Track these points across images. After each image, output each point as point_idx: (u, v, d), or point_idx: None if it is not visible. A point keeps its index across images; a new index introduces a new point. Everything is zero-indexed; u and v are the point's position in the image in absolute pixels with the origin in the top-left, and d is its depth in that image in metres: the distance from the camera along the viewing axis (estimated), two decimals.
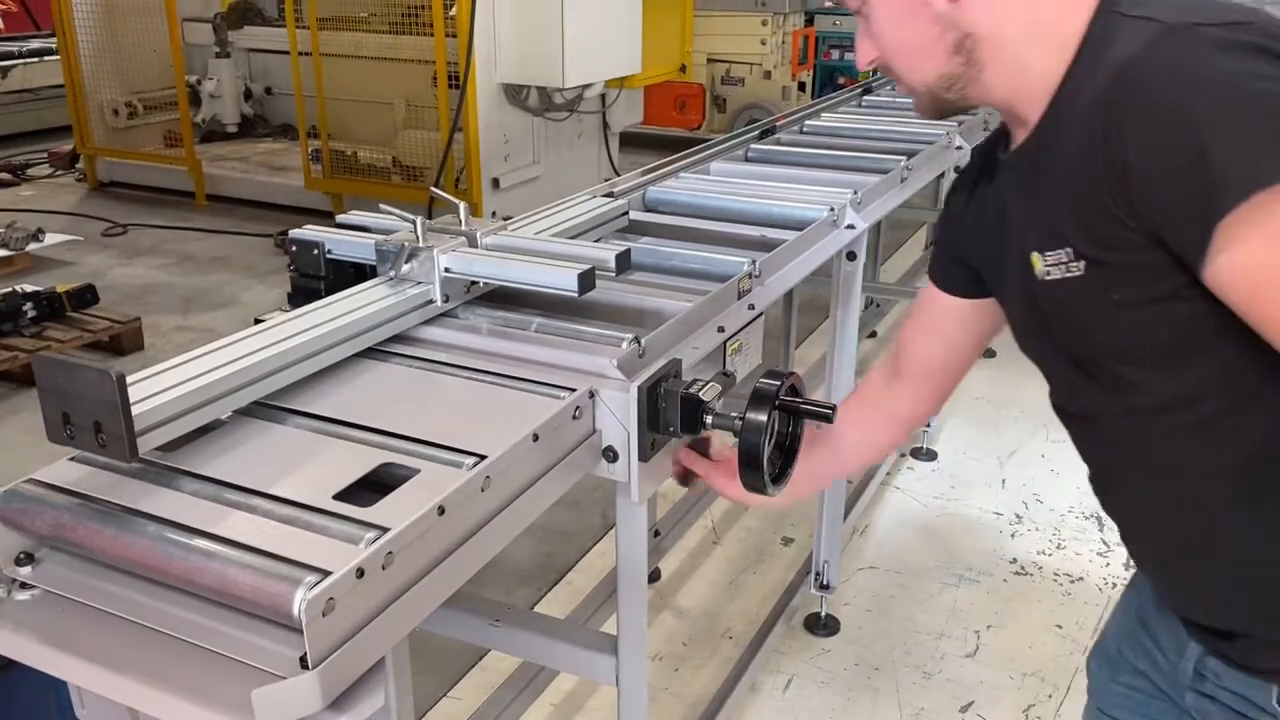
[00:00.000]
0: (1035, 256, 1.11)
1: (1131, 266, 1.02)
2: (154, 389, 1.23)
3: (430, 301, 1.61)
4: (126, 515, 1.13)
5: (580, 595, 2.70)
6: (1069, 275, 1.07)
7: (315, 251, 1.70)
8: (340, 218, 1.83)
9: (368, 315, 1.51)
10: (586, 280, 1.54)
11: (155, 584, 1.11)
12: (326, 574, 1.01)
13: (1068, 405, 1.24)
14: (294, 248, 1.69)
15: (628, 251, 1.69)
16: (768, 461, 1.34)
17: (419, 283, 1.62)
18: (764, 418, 1.30)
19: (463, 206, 1.75)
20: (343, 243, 1.71)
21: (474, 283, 1.66)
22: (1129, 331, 1.06)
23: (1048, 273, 1.10)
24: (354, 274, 1.69)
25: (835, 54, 9.72)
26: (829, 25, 9.57)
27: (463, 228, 1.71)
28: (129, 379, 1.15)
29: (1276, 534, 1.08)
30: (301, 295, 1.65)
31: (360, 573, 1.03)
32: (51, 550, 1.17)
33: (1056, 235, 1.08)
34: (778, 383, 1.32)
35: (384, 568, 1.07)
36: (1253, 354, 0.99)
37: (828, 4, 9.37)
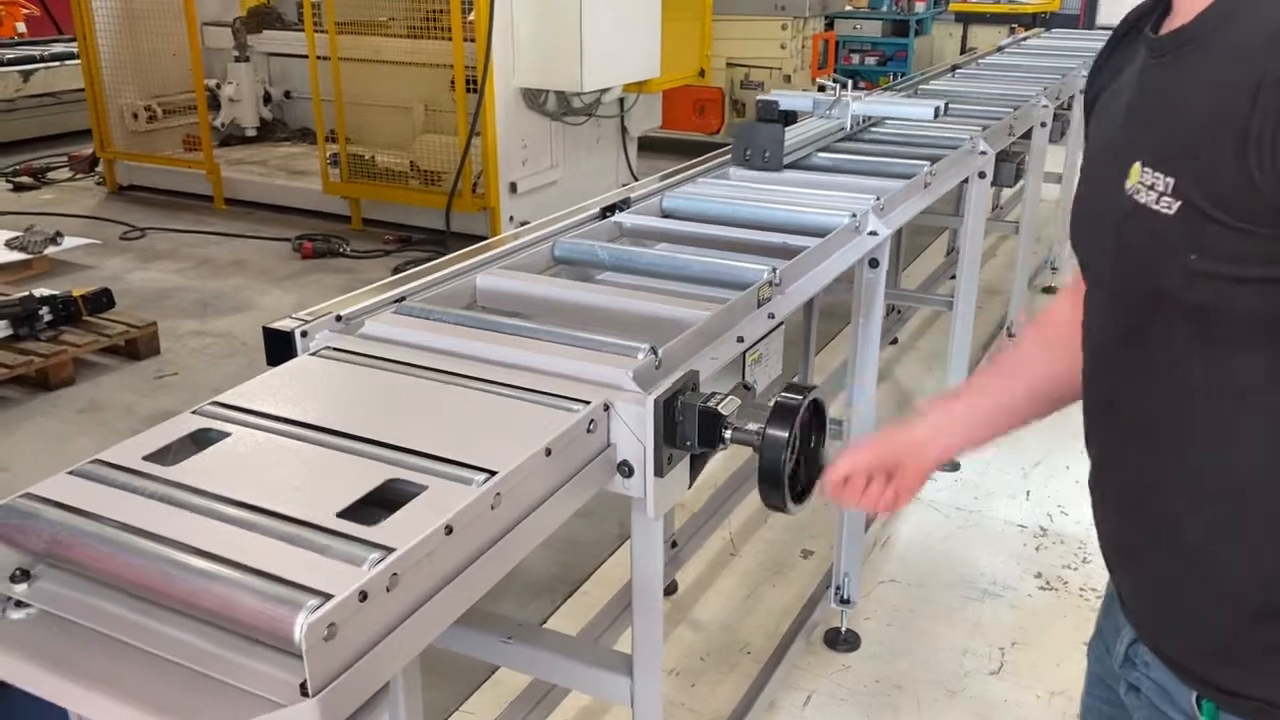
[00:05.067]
0: (1136, 166, 0.97)
1: (1234, 234, 0.89)
2: None
3: (843, 129, 3.06)
4: (125, 532, 1.09)
5: (596, 607, 2.65)
6: (1155, 208, 0.94)
7: (772, 104, 2.84)
8: (774, 92, 3.00)
9: (819, 132, 2.96)
10: (939, 111, 2.98)
11: (154, 604, 1.07)
12: (328, 597, 0.97)
13: (1099, 348, 1.11)
14: (760, 103, 2.86)
15: (947, 104, 3.10)
16: (789, 478, 1.29)
17: (837, 119, 3.03)
18: (785, 434, 1.25)
19: (850, 84, 3.11)
20: (790, 99, 2.97)
21: (859, 121, 3.11)
22: (1195, 296, 0.94)
23: (1136, 190, 0.97)
24: (782, 118, 2.81)
25: (855, 58, 9.68)
26: (849, 29, 9.54)
27: (837, 99, 3.01)
28: None
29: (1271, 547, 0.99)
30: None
31: (363, 596, 0.99)
32: (48, 567, 1.13)
33: (1165, 158, 0.95)
34: (800, 397, 1.27)
35: (389, 590, 1.03)
36: None
37: (848, 8, 9.33)
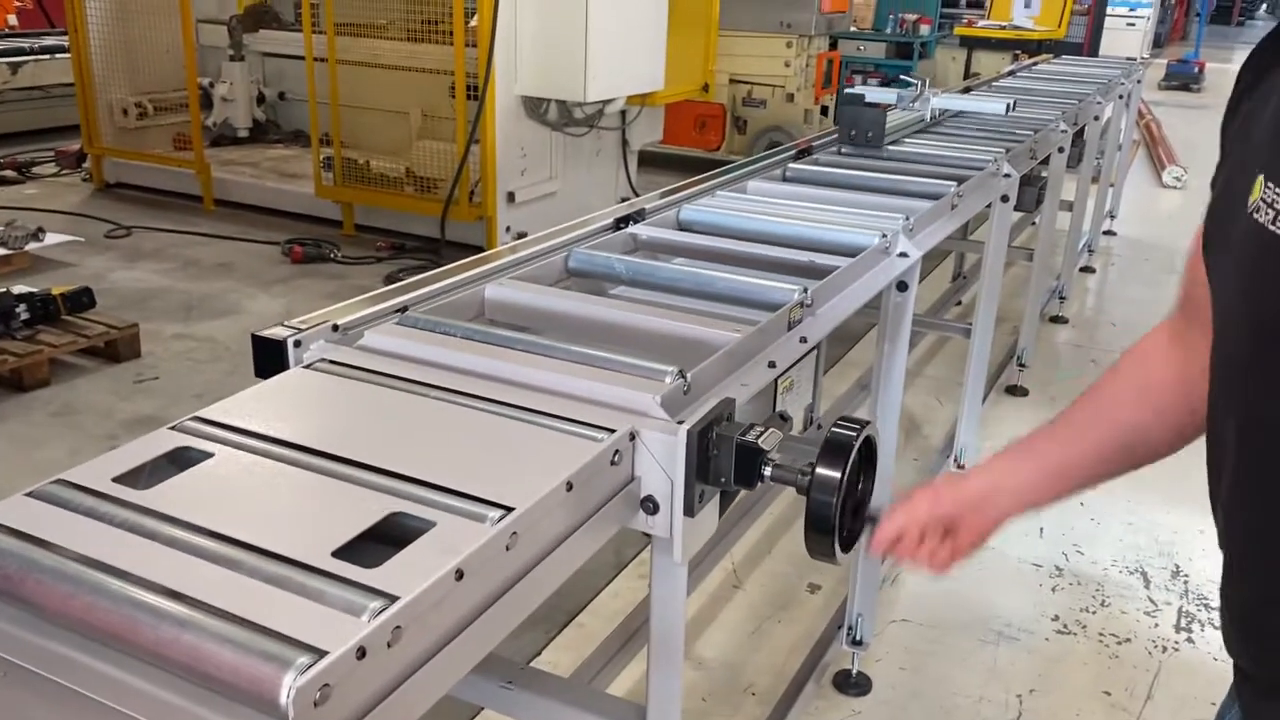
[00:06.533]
0: (1259, 180, 0.86)
1: None
2: None
3: (923, 119, 3.40)
4: (86, 567, 0.95)
5: (592, 641, 2.50)
6: (1272, 228, 0.83)
7: (859, 95, 3.41)
8: (858, 87, 3.66)
9: (903, 122, 3.23)
10: (1010, 108, 3.52)
11: (117, 652, 0.93)
12: (321, 654, 0.84)
13: (1222, 380, 0.97)
14: (847, 95, 3.25)
15: (1015, 101, 3.64)
16: (839, 524, 1.16)
17: (918, 111, 3.38)
18: (838, 474, 1.12)
19: (927, 81, 3.58)
20: (876, 94, 3.50)
21: (937, 114, 3.52)
22: None
23: (1256, 208, 0.86)
24: (864, 104, 3.24)
25: (857, 79, 9.59)
26: (853, 50, 9.46)
27: (920, 94, 3.47)
28: None
29: None
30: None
31: (362, 652, 0.86)
32: None
33: None
34: (854, 432, 1.14)
35: (390, 645, 0.90)
36: None
37: (852, 29, 9.26)
